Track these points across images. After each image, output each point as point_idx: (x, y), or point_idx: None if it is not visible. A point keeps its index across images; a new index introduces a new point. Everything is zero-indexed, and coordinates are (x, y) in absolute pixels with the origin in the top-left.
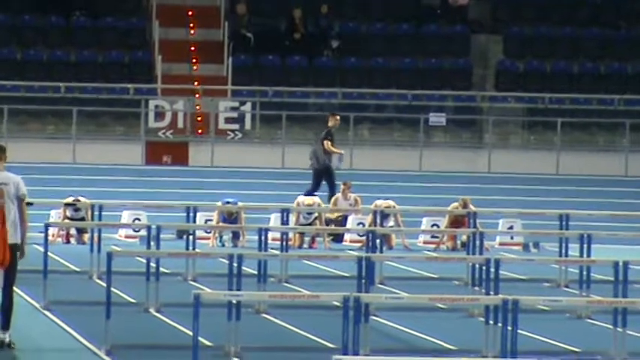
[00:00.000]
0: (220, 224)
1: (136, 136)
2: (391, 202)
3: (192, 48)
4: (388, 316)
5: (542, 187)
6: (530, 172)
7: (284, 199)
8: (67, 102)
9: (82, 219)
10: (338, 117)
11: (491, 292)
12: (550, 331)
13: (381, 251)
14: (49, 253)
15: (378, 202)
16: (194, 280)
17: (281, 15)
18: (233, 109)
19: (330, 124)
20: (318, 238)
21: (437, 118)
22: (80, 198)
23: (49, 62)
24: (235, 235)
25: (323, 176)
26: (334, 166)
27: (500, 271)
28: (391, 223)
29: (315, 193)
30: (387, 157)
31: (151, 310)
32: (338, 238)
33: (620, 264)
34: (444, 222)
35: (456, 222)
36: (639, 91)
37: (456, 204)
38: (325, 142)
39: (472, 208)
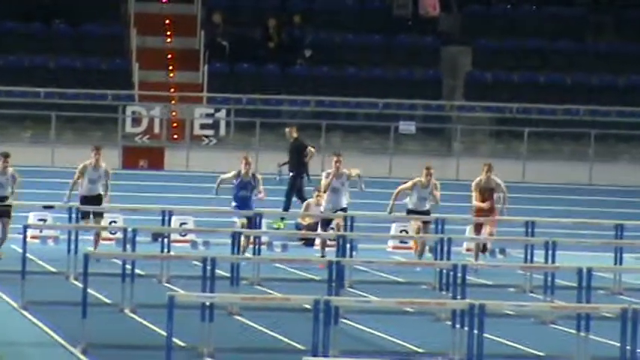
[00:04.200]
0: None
1: (113, 141)
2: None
3: (169, 56)
4: (357, 319)
5: (509, 194)
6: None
7: (257, 203)
8: (46, 107)
9: None
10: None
11: (458, 297)
12: (515, 335)
13: (351, 255)
14: (27, 254)
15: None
16: (168, 282)
17: (256, 24)
18: (208, 115)
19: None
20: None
21: (407, 127)
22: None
23: (29, 68)
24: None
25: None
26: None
27: (467, 276)
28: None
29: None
30: (358, 164)
31: (126, 311)
32: (309, 242)
33: (584, 270)
34: (474, 196)
35: (484, 194)
36: (604, 102)
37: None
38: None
39: (496, 179)
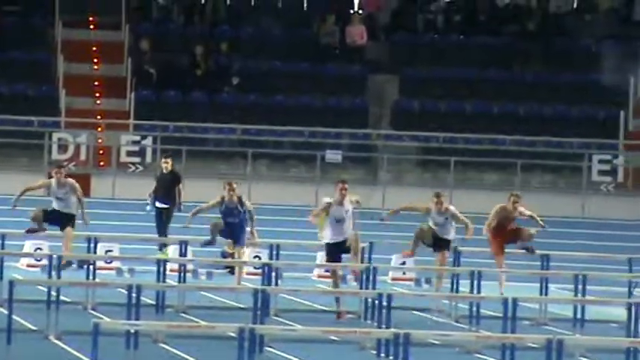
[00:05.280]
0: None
1: (39, 167)
2: None
3: (96, 82)
4: (282, 347)
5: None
6: None
7: (183, 231)
8: None
9: None
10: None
11: (383, 326)
12: None
13: (276, 284)
14: None
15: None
16: (94, 309)
17: (183, 51)
18: (134, 142)
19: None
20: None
21: (333, 155)
22: None
23: None
24: None
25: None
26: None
27: (392, 305)
28: None
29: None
30: (285, 193)
31: (51, 338)
32: (234, 270)
33: (509, 300)
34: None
35: (506, 228)
36: (530, 132)
37: (499, 206)
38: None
39: (523, 209)
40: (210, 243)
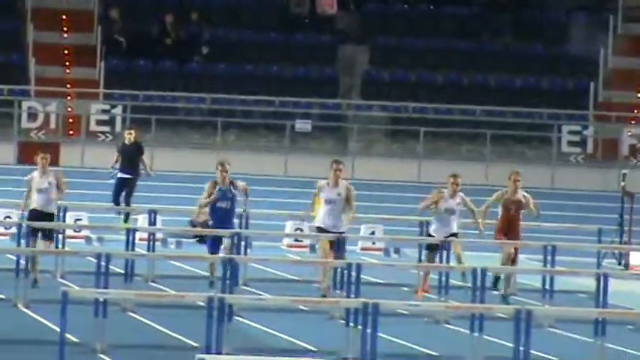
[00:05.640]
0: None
1: (8, 136)
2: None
3: (66, 51)
4: (251, 316)
5: (404, 194)
6: (392, 179)
7: (153, 200)
8: None
9: None
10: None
11: (352, 296)
12: (409, 335)
13: (246, 253)
14: None
15: None
16: (63, 278)
17: (153, 21)
18: (104, 111)
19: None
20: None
21: (303, 125)
22: None
23: None
24: None
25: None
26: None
27: (361, 275)
28: None
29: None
30: (254, 162)
31: (20, 306)
32: (204, 239)
33: (478, 271)
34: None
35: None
36: (500, 103)
37: (499, 193)
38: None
39: (525, 194)
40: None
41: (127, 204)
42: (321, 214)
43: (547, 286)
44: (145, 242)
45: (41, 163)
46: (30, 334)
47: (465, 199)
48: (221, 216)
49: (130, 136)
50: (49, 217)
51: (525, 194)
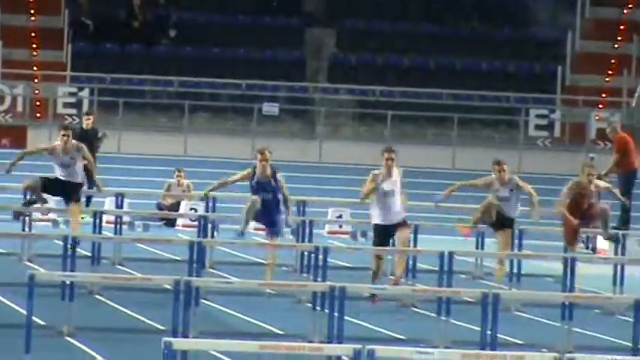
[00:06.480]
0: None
1: None
2: None
3: (33, 34)
4: (218, 300)
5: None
6: (360, 162)
7: (121, 184)
8: None
9: None
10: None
11: (319, 279)
12: (376, 318)
13: (212, 236)
14: None
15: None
16: (30, 261)
17: (120, 4)
18: (71, 94)
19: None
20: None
21: (270, 108)
22: None
23: None
24: None
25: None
26: None
27: (328, 259)
28: None
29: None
30: (222, 145)
31: None
32: (170, 222)
33: (446, 254)
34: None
35: (581, 207)
36: (467, 86)
37: (571, 183)
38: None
39: (598, 182)
40: (241, 233)
41: (90, 188)
42: (377, 210)
43: (514, 270)
44: (112, 225)
45: (62, 140)
46: None
47: (519, 183)
48: (262, 212)
49: (88, 122)
50: (78, 187)
51: (600, 183)
